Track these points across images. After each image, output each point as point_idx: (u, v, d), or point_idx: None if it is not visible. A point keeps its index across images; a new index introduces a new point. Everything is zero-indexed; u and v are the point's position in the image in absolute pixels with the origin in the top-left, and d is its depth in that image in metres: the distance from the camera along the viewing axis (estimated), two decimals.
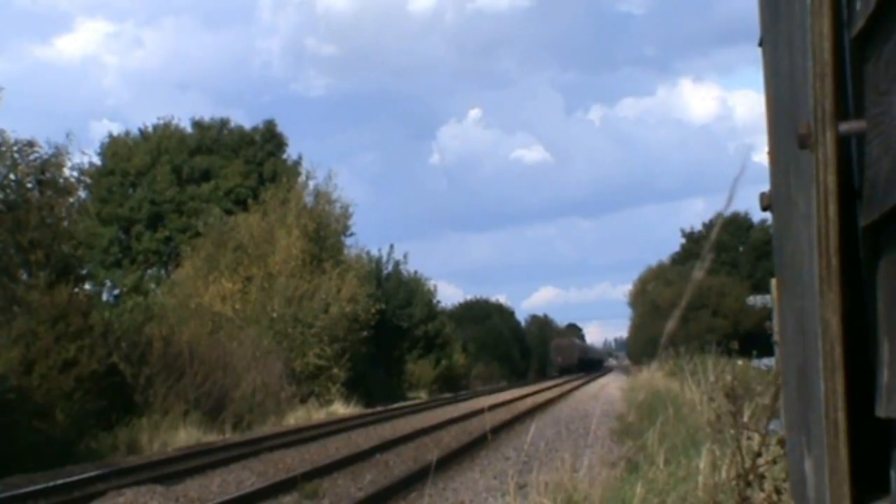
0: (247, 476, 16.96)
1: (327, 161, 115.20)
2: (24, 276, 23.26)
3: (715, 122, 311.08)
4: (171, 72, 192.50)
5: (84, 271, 30.86)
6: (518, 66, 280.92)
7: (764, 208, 2.99)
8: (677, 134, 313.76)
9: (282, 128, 53.39)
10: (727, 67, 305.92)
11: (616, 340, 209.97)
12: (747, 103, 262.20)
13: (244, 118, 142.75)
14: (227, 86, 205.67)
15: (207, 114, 79.20)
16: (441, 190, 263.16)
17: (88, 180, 37.33)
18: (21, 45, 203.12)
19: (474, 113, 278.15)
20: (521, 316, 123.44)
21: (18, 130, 51.78)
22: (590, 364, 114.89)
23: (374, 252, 57.09)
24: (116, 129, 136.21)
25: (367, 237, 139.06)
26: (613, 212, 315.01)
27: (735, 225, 72.61)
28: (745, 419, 6.55)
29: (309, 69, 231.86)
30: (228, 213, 45.99)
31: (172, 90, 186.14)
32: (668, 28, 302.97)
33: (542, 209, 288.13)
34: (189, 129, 52.35)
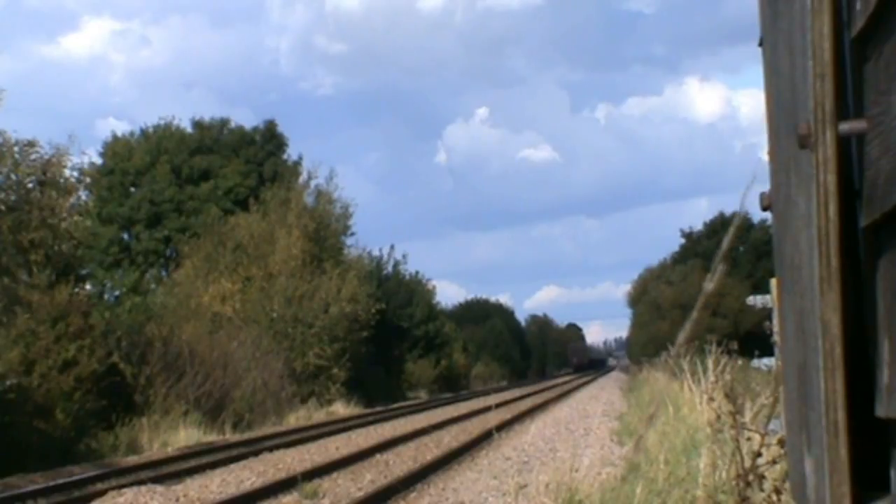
0: (247, 476, 16.96)
1: (334, 159, 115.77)
2: (25, 276, 23.26)
3: (720, 121, 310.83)
4: (178, 70, 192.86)
5: (84, 271, 30.86)
6: (527, 64, 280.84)
7: (764, 208, 2.98)
8: (683, 133, 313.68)
9: (288, 126, 53.69)
10: (733, 66, 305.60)
11: (616, 340, 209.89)
12: (752, 102, 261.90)
13: (250, 116, 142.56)
14: (234, 84, 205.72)
15: (214, 112, 79.21)
16: (447, 189, 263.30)
17: (88, 180, 37.30)
18: (28, 44, 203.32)
19: (481, 112, 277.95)
20: (522, 315, 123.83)
21: (25, 129, 51.99)
22: (596, 363, 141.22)
23: (376, 252, 57.14)
24: (122, 127, 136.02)
25: (373, 236, 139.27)
26: (619, 211, 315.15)
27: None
28: (746, 419, 6.55)
29: (317, 67, 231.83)
30: (228, 212, 45.98)
31: (178, 88, 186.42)
32: (677, 26, 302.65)
33: (548, 208, 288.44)
34: (189, 129, 52.35)
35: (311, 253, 42.88)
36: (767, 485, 5.84)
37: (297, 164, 51.49)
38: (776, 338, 6.96)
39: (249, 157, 50.84)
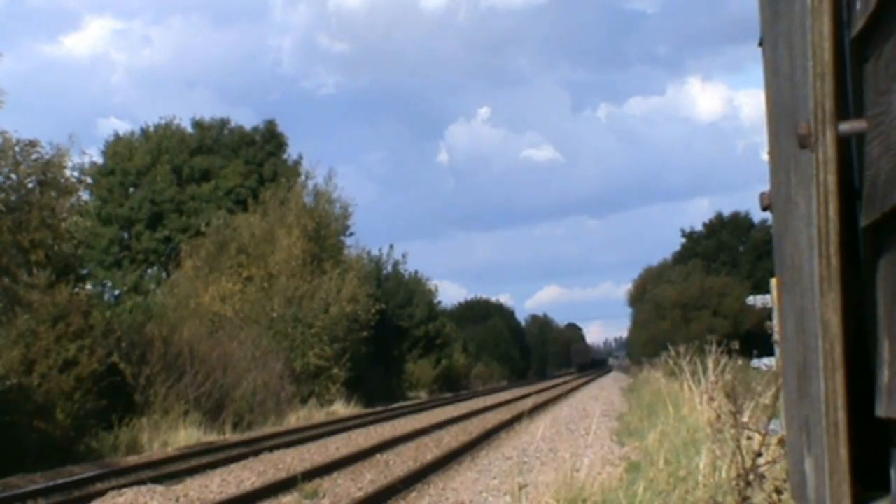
0: (247, 476, 16.96)
1: (335, 159, 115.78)
2: (25, 276, 23.25)
3: (722, 121, 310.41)
4: (180, 69, 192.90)
5: (84, 271, 30.86)
6: (529, 64, 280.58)
7: (764, 208, 2.98)
8: (685, 132, 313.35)
9: (290, 126, 53.76)
10: (735, 66, 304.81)
11: (616, 340, 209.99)
12: (753, 102, 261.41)
13: (252, 116, 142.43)
14: (236, 83, 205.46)
15: (216, 112, 78.95)
16: (448, 189, 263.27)
17: (89, 180, 37.30)
18: (29, 43, 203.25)
19: (483, 111, 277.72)
20: (523, 315, 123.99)
21: (26, 128, 51.85)
22: (597, 363, 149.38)
23: (376, 252, 57.14)
24: (124, 126, 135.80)
25: (374, 235, 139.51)
26: (620, 211, 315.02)
27: (735, 225, 72.56)
28: (745, 419, 6.55)
29: (319, 67, 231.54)
30: (229, 213, 46.00)
31: (180, 88, 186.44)
32: (679, 26, 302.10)
33: (550, 208, 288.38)
34: (190, 129, 52.36)
35: (311, 253, 42.88)
36: (768, 485, 5.84)
37: (298, 164, 51.52)
38: (776, 338, 6.96)
39: (250, 158, 50.85)
